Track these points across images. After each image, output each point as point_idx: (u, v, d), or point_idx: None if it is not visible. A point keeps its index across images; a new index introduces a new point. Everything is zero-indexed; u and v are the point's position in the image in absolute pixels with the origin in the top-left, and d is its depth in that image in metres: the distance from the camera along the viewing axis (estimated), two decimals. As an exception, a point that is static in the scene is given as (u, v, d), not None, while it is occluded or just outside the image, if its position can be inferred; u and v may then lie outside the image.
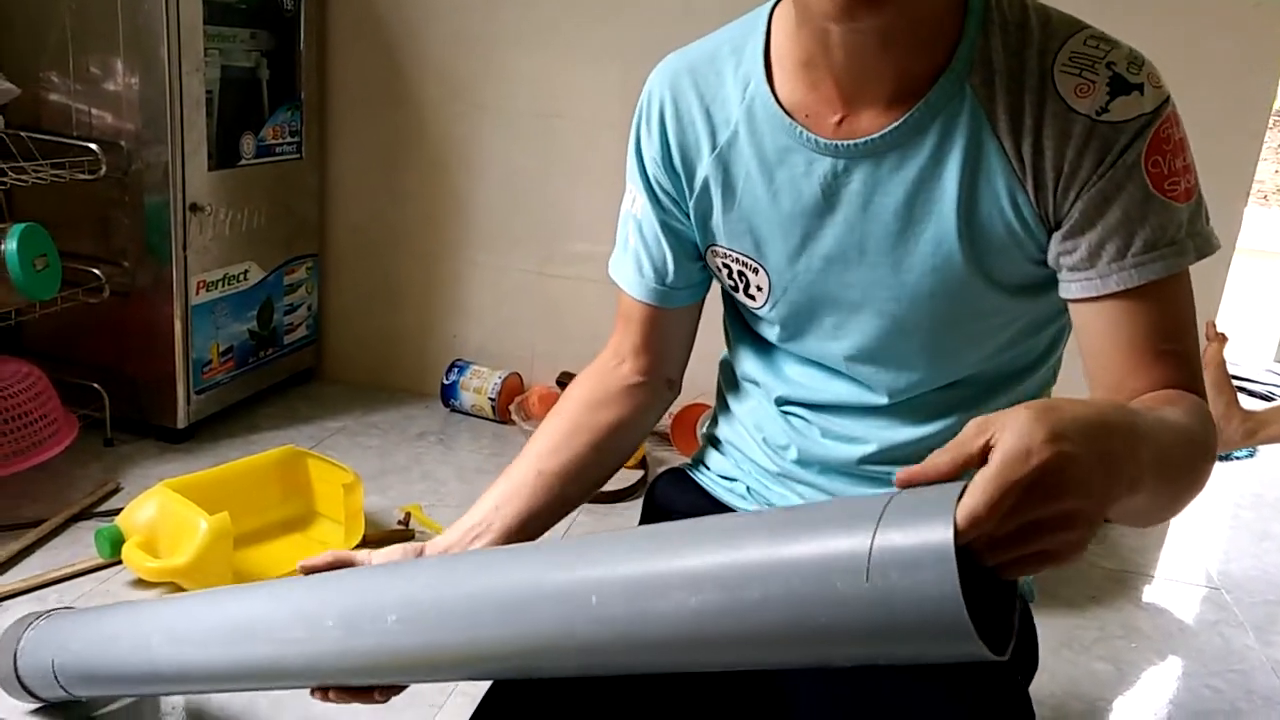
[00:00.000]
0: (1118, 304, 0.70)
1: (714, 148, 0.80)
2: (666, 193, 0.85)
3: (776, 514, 0.55)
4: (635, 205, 0.88)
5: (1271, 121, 2.08)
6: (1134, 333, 0.70)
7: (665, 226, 0.87)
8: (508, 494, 0.85)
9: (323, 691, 0.74)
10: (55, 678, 0.95)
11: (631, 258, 0.89)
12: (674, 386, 0.96)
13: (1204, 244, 0.71)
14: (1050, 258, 0.73)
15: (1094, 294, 0.71)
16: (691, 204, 0.84)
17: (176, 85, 1.94)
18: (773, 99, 0.77)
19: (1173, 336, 0.71)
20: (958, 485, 0.49)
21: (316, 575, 0.76)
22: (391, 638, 0.66)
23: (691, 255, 0.87)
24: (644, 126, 0.85)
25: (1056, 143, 0.69)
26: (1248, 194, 2.04)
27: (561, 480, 0.87)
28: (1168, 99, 0.69)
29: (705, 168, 0.81)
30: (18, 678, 0.99)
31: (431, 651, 0.65)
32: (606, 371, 0.93)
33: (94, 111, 1.98)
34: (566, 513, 0.90)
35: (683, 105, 0.82)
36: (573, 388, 0.93)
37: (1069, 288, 0.72)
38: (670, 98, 0.82)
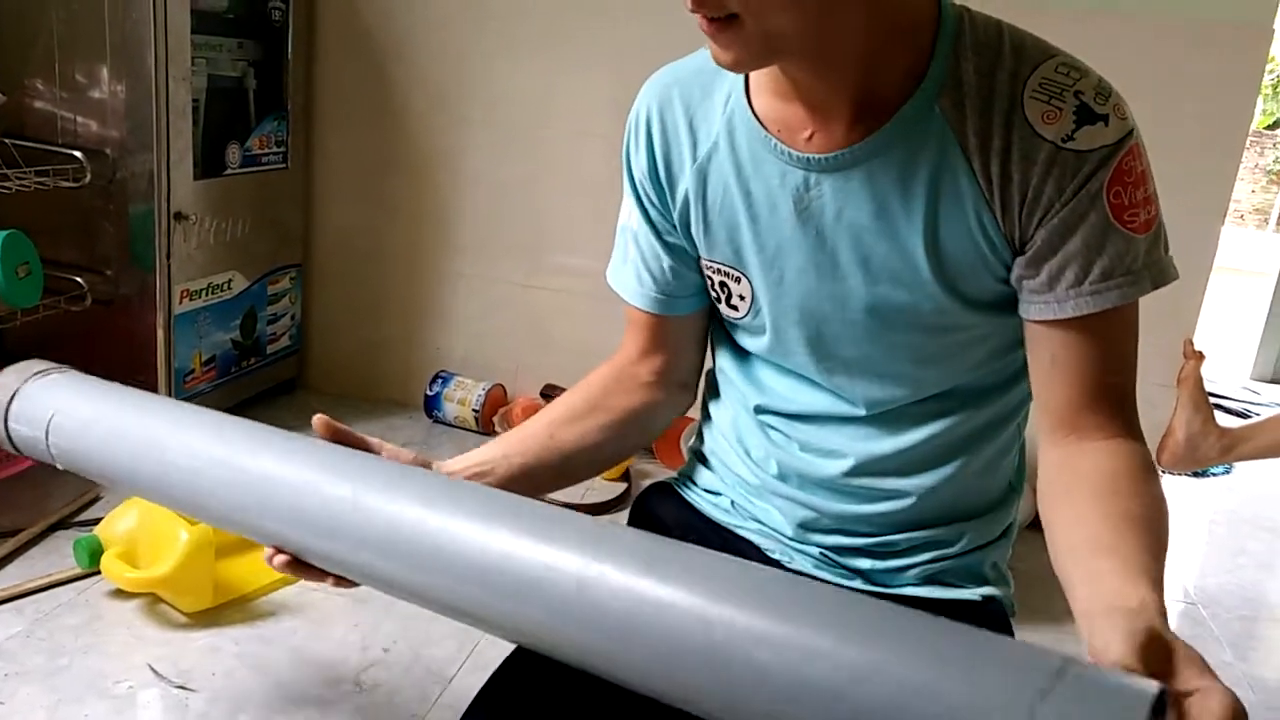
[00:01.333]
0: (1072, 328, 0.73)
1: (695, 160, 0.82)
2: (655, 206, 0.87)
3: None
4: (631, 218, 0.90)
5: (1248, 142, 2.11)
6: (1084, 358, 0.73)
7: (659, 238, 0.88)
8: (518, 448, 0.87)
9: (281, 555, 0.75)
10: (46, 442, 0.87)
11: (631, 269, 0.91)
12: (688, 390, 0.97)
13: (1159, 274, 0.73)
14: (1013, 278, 0.75)
15: (1050, 317, 0.73)
16: (676, 216, 0.85)
17: (163, 94, 1.94)
18: (749, 111, 0.78)
19: (1119, 366, 0.74)
20: (1143, 694, 0.47)
21: (334, 451, 0.75)
22: (355, 543, 0.67)
23: (689, 264, 0.88)
24: (633, 142, 0.86)
25: (1022, 167, 0.70)
26: (1225, 213, 2.07)
27: (572, 451, 0.88)
28: (1132, 131, 0.70)
29: (686, 180, 0.83)
30: (5, 423, 0.90)
31: (396, 577, 0.66)
32: (624, 366, 0.94)
33: (79, 119, 1.97)
34: (566, 485, 0.91)
35: (669, 119, 0.83)
36: (594, 373, 0.95)
37: (1028, 309, 0.75)
38: (657, 112, 0.84)
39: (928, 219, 0.74)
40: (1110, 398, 0.74)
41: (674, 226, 0.86)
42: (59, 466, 0.89)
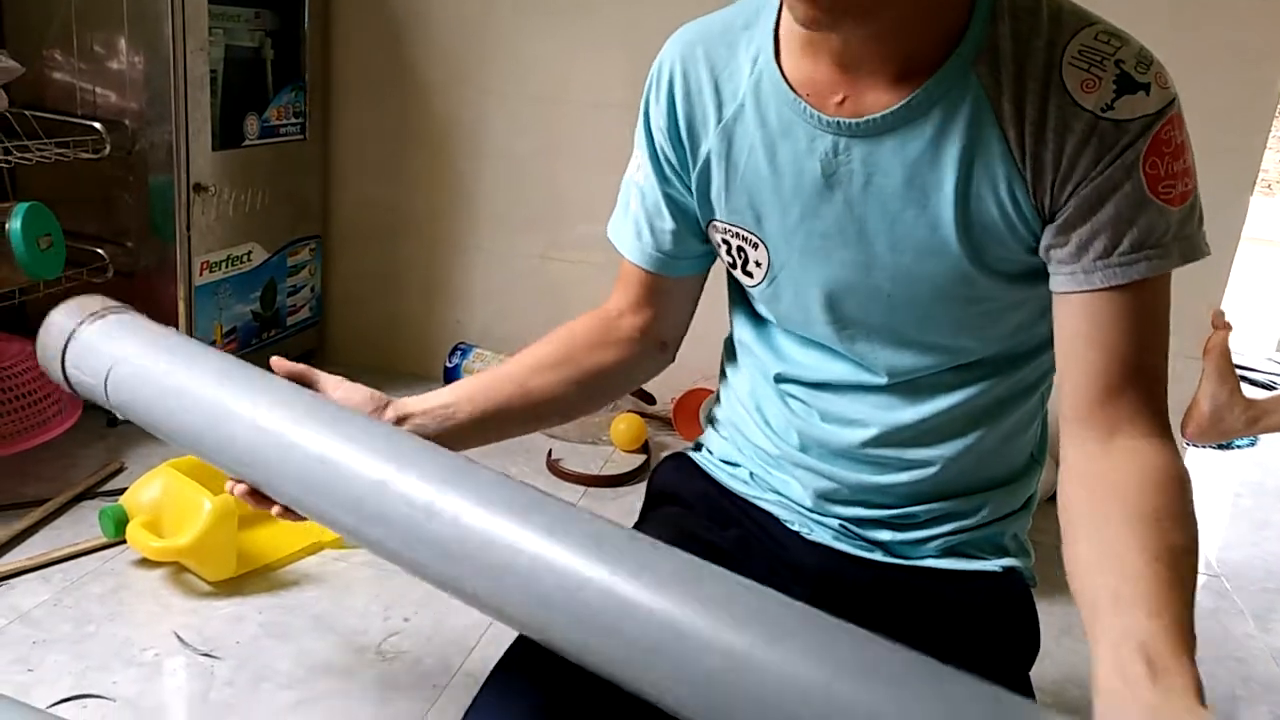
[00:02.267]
0: (1099, 302, 0.71)
1: (720, 120, 0.81)
2: (670, 164, 0.85)
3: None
4: (639, 173, 0.88)
5: (1277, 111, 2.07)
6: (1112, 333, 0.71)
7: (668, 197, 0.87)
8: (484, 392, 0.86)
9: (242, 486, 0.77)
10: (105, 393, 0.86)
11: (631, 223, 0.90)
12: (667, 350, 0.96)
13: (1190, 249, 0.71)
14: (1041, 249, 0.73)
15: (1077, 288, 0.71)
16: (694, 176, 0.84)
17: (181, 65, 1.94)
18: (779, 74, 0.77)
19: (1149, 345, 0.71)
20: None
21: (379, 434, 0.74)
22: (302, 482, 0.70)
23: (693, 229, 0.88)
24: (654, 96, 0.85)
25: (1058, 136, 0.69)
26: (1254, 183, 2.03)
27: (540, 400, 0.88)
28: (1173, 100, 0.69)
29: (710, 140, 0.81)
30: (63, 364, 0.89)
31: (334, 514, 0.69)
32: (607, 319, 0.93)
33: (98, 90, 1.98)
34: (527, 432, 0.91)
35: (693, 77, 0.82)
36: (576, 322, 0.93)
37: (1055, 280, 0.73)
38: (681, 69, 0.82)
39: (959, 188, 0.72)
40: (1139, 382, 0.71)
41: (688, 189, 0.85)
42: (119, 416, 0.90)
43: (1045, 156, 0.70)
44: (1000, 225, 0.73)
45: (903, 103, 0.72)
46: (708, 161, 0.82)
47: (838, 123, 0.74)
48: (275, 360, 0.82)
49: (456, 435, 0.83)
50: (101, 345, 0.86)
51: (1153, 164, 0.68)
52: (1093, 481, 0.70)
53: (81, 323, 0.88)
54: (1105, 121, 0.68)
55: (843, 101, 0.74)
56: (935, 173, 0.73)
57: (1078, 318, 0.72)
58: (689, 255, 0.89)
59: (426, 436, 0.78)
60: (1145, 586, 0.60)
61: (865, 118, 0.73)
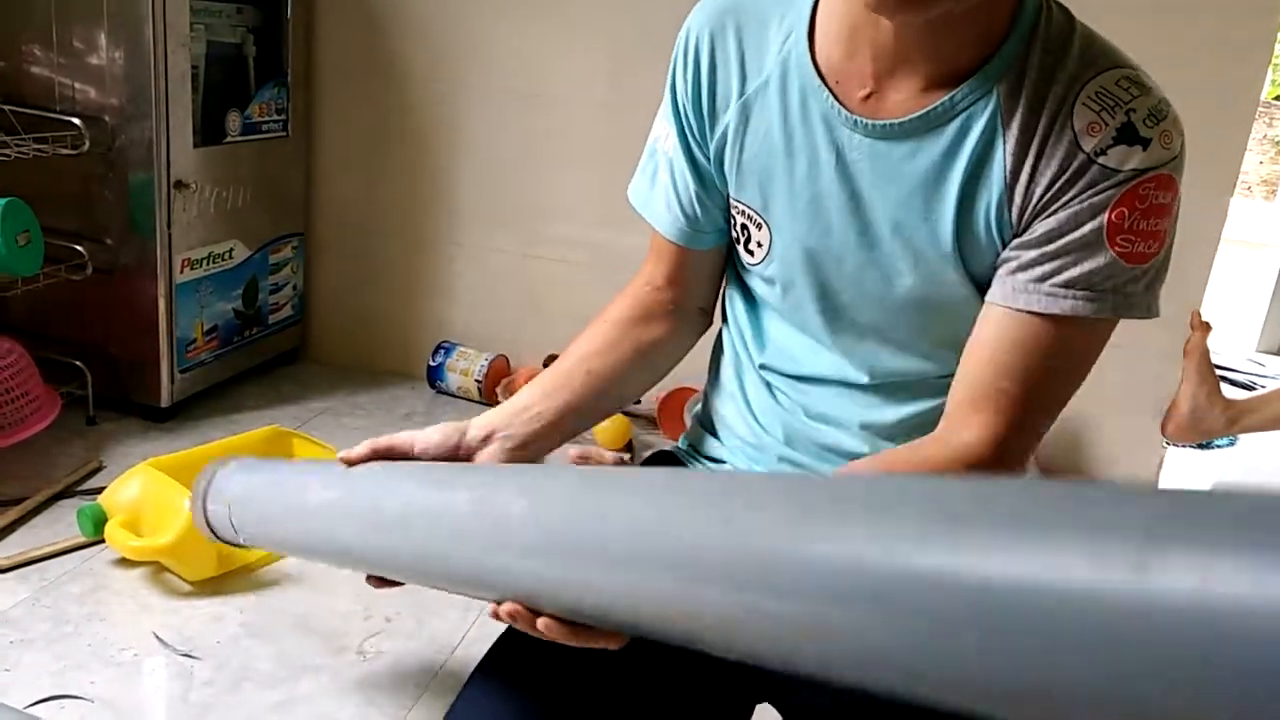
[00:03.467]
0: (1013, 320, 0.71)
1: (741, 94, 0.80)
2: (694, 133, 0.85)
3: None
4: (667, 142, 0.87)
5: (1258, 113, 2.09)
6: (1012, 354, 0.71)
7: (693, 167, 0.86)
8: (557, 386, 0.86)
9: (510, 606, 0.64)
10: (233, 527, 0.96)
11: (661, 194, 0.89)
12: (707, 316, 0.96)
13: (1126, 306, 0.70)
14: (999, 258, 0.74)
15: (1001, 301, 0.72)
16: (713, 148, 0.83)
17: (162, 60, 1.92)
18: (809, 58, 0.76)
19: (1042, 375, 0.71)
20: None
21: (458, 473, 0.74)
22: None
23: (718, 199, 0.87)
24: (681, 63, 0.84)
25: (1052, 170, 0.69)
26: (1234, 185, 2.05)
27: (607, 381, 0.88)
28: (1169, 162, 0.68)
29: (730, 114, 0.81)
30: (207, 521, 1.00)
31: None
32: (644, 294, 0.93)
33: (77, 86, 1.96)
34: (604, 417, 0.92)
35: (720, 48, 0.81)
36: (614, 306, 0.93)
37: (992, 285, 0.73)
38: (709, 38, 0.81)
39: (961, 201, 0.73)
40: (1000, 402, 0.71)
41: (709, 157, 0.85)
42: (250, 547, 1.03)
43: (1035, 188, 0.70)
44: (985, 242, 0.74)
45: (923, 111, 0.72)
46: (725, 135, 0.82)
47: (856, 120, 0.74)
48: (345, 455, 0.80)
49: (545, 434, 0.84)
50: (224, 487, 0.98)
51: (1119, 214, 0.68)
52: (910, 450, 0.74)
53: (217, 470, 1.01)
54: (1095, 166, 0.68)
55: (868, 97, 0.74)
56: (942, 184, 0.73)
57: (990, 327, 0.73)
58: (715, 228, 0.89)
59: (518, 441, 0.81)
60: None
61: (884, 121, 0.73)
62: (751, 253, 0.85)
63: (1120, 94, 0.69)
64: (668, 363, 0.95)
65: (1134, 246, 0.69)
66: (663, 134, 0.88)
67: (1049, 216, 0.70)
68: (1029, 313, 0.70)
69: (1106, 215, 0.68)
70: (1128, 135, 0.68)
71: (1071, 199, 0.69)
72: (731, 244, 0.89)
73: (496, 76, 2.35)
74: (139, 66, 1.92)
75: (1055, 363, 0.71)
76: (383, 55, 2.40)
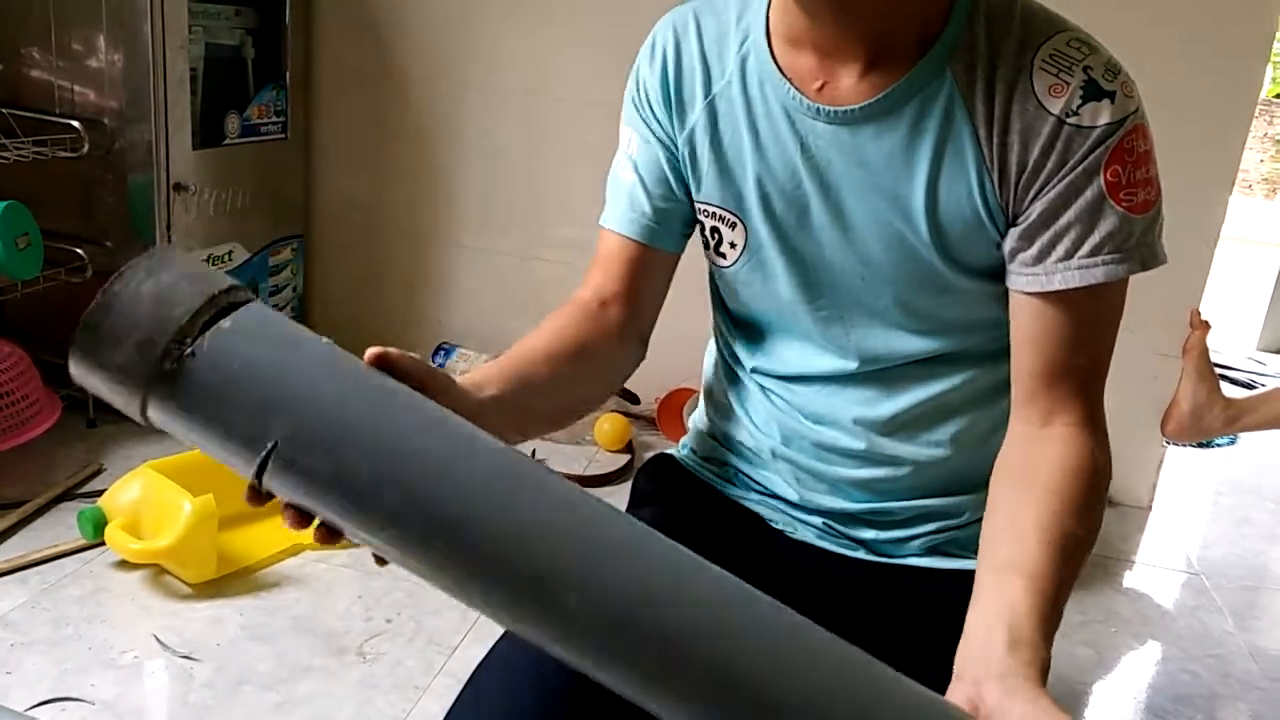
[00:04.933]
0: (1054, 301, 0.73)
1: (707, 95, 0.82)
2: (664, 130, 0.85)
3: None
4: (631, 147, 0.87)
5: (1257, 110, 2.09)
6: (1060, 331, 0.73)
7: (656, 162, 0.85)
8: (504, 373, 0.74)
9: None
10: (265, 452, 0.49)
11: (623, 195, 0.86)
12: (644, 346, 0.90)
13: (1149, 257, 0.73)
14: (1006, 249, 0.75)
15: (1037, 290, 0.73)
16: (680, 147, 0.84)
17: (160, 63, 1.92)
18: (768, 54, 0.78)
19: (1091, 347, 0.74)
20: None
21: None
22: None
23: (681, 196, 0.86)
24: (648, 64, 0.85)
25: (1024, 138, 0.71)
26: (1233, 182, 2.05)
27: (545, 394, 0.78)
28: (1137, 110, 0.70)
29: (696, 114, 0.82)
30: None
31: None
32: (591, 315, 0.85)
33: (77, 89, 1.96)
34: (539, 433, 0.83)
35: (685, 49, 0.83)
36: (557, 317, 0.84)
37: (1016, 280, 0.75)
38: (674, 40, 0.83)
39: (929, 181, 0.74)
40: (1080, 377, 0.74)
41: (675, 156, 0.85)
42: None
43: (1010, 158, 0.71)
44: (970, 220, 0.74)
45: (880, 95, 0.73)
46: (692, 135, 0.83)
47: (816, 108, 0.75)
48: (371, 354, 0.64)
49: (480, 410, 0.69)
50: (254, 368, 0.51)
51: (1114, 171, 0.70)
52: (1018, 462, 0.74)
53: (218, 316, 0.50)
54: (1069, 126, 0.69)
55: (822, 88, 0.76)
56: (908, 165, 0.74)
57: (1033, 315, 0.74)
58: (674, 224, 0.87)
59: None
60: (1031, 565, 0.64)
61: (845, 107, 0.74)
62: (724, 255, 0.85)
63: (1073, 54, 0.70)
64: (610, 385, 0.90)
65: (1136, 198, 0.71)
66: (626, 144, 0.88)
67: (1044, 194, 0.71)
68: (1068, 290, 0.72)
69: (1102, 177, 0.70)
70: (1092, 91, 0.69)
71: (1062, 171, 0.70)
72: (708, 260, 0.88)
73: (497, 78, 2.35)
74: (138, 69, 1.92)
75: (1101, 325, 0.74)
76: (382, 56, 2.40)
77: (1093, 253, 0.71)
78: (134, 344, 0.47)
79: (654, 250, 0.87)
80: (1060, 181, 0.70)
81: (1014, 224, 0.73)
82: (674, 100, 0.83)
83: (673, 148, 0.85)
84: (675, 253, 0.90)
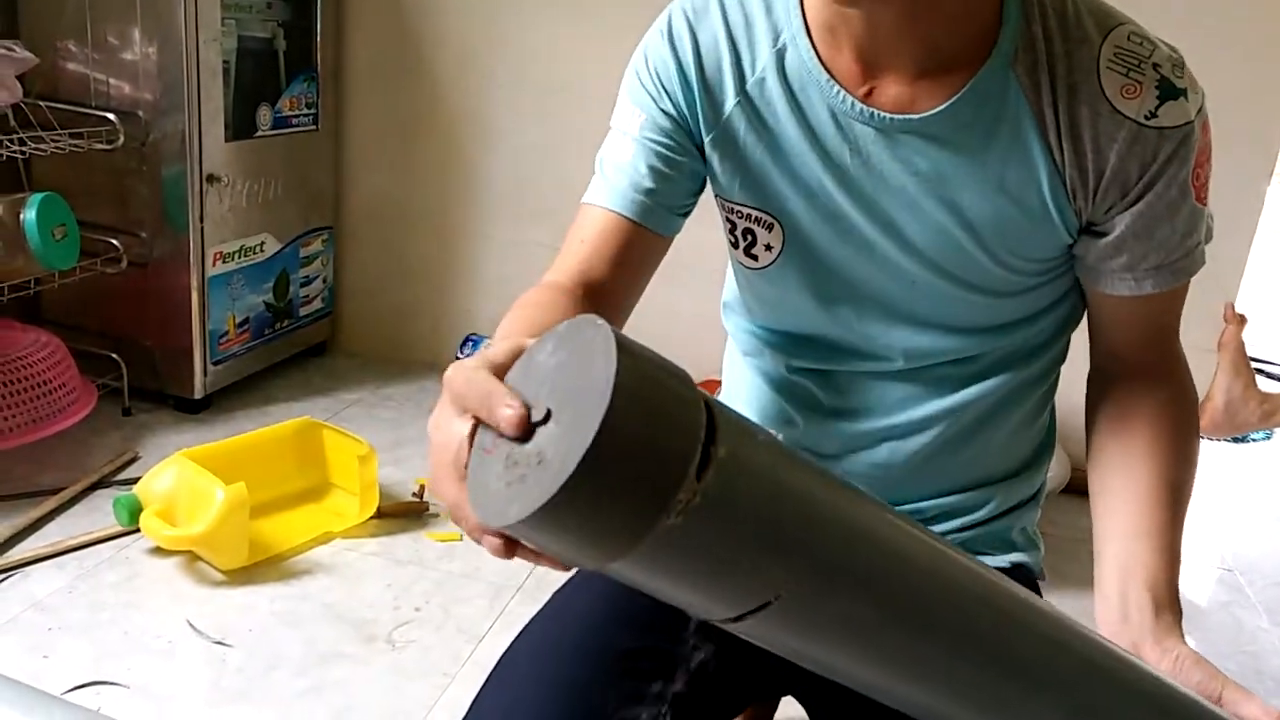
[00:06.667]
0: (1147, 299, 0.75)
1: (740, 89, 0.77)
2: (679, 112, 0.80)
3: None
4: (634, 125, 0.82)
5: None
6: (1150, 311, 0.76)
7: (672, 143, 0.81)
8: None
9: None
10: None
11: (624, 174, 0.81)
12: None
13: (1211, 232, 0.75)
14: (1089, 259, 0.74)
15: (1132, 293, 0.74)
16: (709, 141, 0.80)
17: (194, 55, 1.94)
18: (813, 54, 0.74)
19: (1176, 304, 0.78)
20: None
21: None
22: None
23: (687, 174, 0.81)
24: (661, 42, 0.80)
25: (1100, 143, 0.68)
26: (1271, 173, 2.02)
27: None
28: (1203, 102, 0.70)
29: (730, 107, 0.78)
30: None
31: None
32: (576, 300, 0.80)
33: (112, 81, 1.98)
34: None
35: (703, 30, 0.78)
36: (534, 300, 0.80)
37: (1108, 283, 0.75)
38: (689, 21, 0.79)
39: (994, 192, 0.71)
40: (1166, 335, 0.79)
41: (690, 137, 0.80)
42: None
43: (1086, 164, 0.69)
44: (1029, 226, 0.72)
45: (948, 104, 0.70)
46: (727, 129, 0.78)
47: (871, 113, 0.72)
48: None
49: None
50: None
51: (1198, 175, 0.70)
52: (1119, 406, 0.78)
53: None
54: (1150, 130, 0.68)
55: (869, 93, 0.72)
56: (974, 177, 0.71)
57: (1124, 308, 0.76)
58: (671, 206, 0.82)
59: None
60: (1153, 524, 0.71)
61: (905, 116, 0.71)
62: (756, 256, 0.82)
63: (1138, 49, 0.68)
64: None
65: (1206, 188, 0.73)
66: (628, 121, 0.82)
67: (1133, 205, 0.70)
68: (1166, 290, 0.74)
69: (1192, 183, 0.70)
70: (1168, 91, 0.68)
71: (1148, 178, 0.69)
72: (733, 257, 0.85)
73: (527, 70, 2.35)
74: (171, 62, 1.94)
75: (1182, 291, 0.77)
76: (412, 49, 2.41)
77: (1185, 254, 0.73)
78: (632, 497, 0.35)
79: (651, 233, 0.82)
80: (1148, 190, 0.69)
81: (1092, 229, 0.72)
82: (697, 85, 0.78)
83: (688, 130, 0.80)
84: (669, 238, 0.84)
